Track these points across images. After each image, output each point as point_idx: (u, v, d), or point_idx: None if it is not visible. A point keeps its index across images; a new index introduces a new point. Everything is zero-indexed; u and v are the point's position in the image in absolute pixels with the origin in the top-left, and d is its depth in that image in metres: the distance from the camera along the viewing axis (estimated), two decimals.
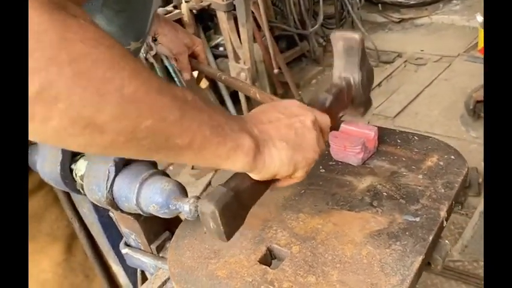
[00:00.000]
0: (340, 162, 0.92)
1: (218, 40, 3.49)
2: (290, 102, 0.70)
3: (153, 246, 0.86)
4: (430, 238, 0.71)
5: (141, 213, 0.76)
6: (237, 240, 0.78)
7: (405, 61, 3.84)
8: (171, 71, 2.87)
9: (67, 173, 0.83)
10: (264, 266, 0.72)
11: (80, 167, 0.83)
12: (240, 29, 2.86)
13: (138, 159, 0.75)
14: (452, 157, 0.88)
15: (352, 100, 0.86)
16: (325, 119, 0.71)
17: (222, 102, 3.40)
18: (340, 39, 0.82)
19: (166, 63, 2.85)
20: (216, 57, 3.47)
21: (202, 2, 3.04)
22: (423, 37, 4.23)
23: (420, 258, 0.68)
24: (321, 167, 0.91)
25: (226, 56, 3.22)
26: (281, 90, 3.56)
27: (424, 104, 3.19)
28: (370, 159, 0.91)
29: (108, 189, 0.76)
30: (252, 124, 0.62)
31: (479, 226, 1.91)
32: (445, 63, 3.66)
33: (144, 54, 2.72)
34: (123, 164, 0.77)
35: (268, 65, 3.31)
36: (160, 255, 0.86)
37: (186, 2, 3.02)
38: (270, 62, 3.28)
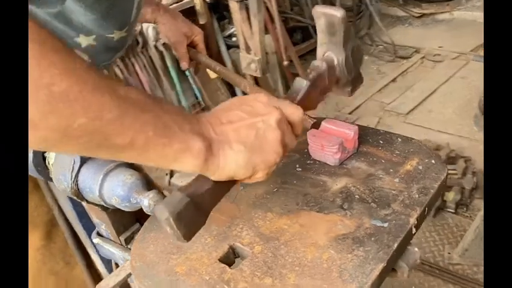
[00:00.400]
0: (318, 161, 0.90)
1: (232, 30, 3.47)
2: (258, 98, 0.67)
3: (122, 238, 0.86)
4: (395, 245, 0.69)
5: (105, 205, 0.75)
6: (202, 237, 0.77)
7: (423, 57, 3.75)
8: None
9: (40, 160, 0.84)
10: (223, 265, 0.71)
11: (51, 156, 0.83)
12: (252, 20, 2.83)
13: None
14: (433, 161, 0.84)
15: (337, 81, 0.82)
16: (296, 113, 0.67)
17: (233, 92, 3.38)
18: (322, 15, 0.78)
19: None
20: (228, 47, 3.45)
21: None
22: (443, 33, 4.11)
23: (381, 266, 0.66)
24: (297, 166, 0.89)
25: (238, 47, 3.20)
26: (292, 82, 3.52)
27: (439, 102, 3.11)
28: (348, 160, 0.88)
29: (73, 179, 0.76)
30: (209, 125, 0.61)
31: (481, 229, 1.86)
32: (463, 60, 3.55)
33: (154, 43, 2.73)
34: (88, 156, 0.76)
35: (280, 56, 3.27)
36: (129, 247, 0.86)
37: None
38: (281, 53, 3.24)
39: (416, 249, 0.74)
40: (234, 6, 2.93)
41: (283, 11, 3.55)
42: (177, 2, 2.84)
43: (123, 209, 0.73)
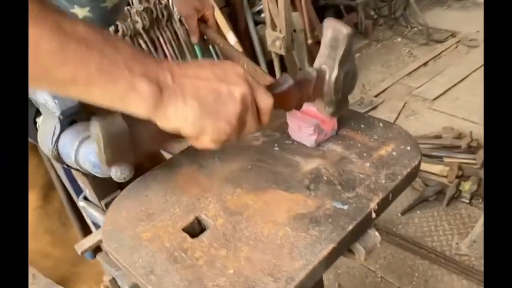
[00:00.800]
0: (296, 142, 0.91)
1: (261, 7, 3.44)
2: (235, 68, 0.65)
3: (103, 203, 0.91)
4: (350, 228, 0.70)
5: (80, 170, 0.79)
6: (171, 206, 0.80)
7: (458, 41, 3.61)
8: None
9: (31, 125, 0.89)
10: (185, 234, 0.74)
11: (40, 120, 0.87)
12: None
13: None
14: (408, 148, 0.84)
15: (322, 96, 0.81)
16: (266, 101, 0.67)
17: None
18: (330, 27, 0.78)
19: None
20: (256, 23, 3.44)
21: None
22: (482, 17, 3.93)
23: (331, 247, 0.67)
24: (276, 145, 0.91)
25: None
26: None
27: (467, 90, 3.01)
28: (326, 142, 0.89)
29: (53, 144, 0.80)
30: (169, 72, 0.59)
31: None
32: None
33: (179, 17, 2.75)
34: (69, 122, 0.81)
35: (306, 35, 3.23)
36: None
37: None
38: (310, 32, 3.19)
39: (376, 233, 0.75)
40: None
41: None
42: None
43: (96, 174, 0.77)
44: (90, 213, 0.94)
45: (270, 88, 0.72)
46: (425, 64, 3.45)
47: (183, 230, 0.75)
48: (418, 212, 2.14)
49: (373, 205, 0.73)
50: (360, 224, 0.71)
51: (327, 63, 0.79)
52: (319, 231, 0.70)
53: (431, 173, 2.29)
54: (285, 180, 0.81)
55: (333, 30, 0.77)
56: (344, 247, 0.71)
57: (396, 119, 2.91)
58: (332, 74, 0.79)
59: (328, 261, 0.68)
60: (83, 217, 1.15)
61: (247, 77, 0.66)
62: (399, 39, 3.90)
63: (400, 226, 2.09)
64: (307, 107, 0.91)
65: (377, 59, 3.71)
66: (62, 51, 0.51)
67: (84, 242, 0.87)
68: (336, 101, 0.82)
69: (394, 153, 0.83)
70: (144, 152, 0.64)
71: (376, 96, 3.23)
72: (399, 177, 0.78)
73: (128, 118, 0.60)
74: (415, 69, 3.39)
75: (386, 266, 1.95)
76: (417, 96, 3.09)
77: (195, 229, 0.77)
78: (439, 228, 2.05)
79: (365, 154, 0.84)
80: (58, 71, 0.52)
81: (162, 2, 2.70)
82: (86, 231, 1.16)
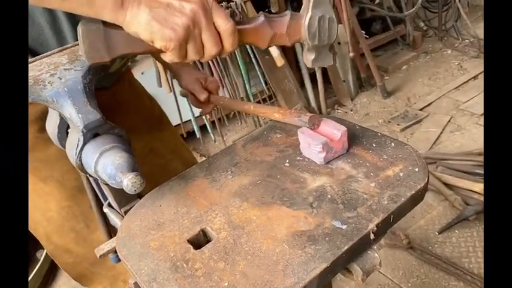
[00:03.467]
0: (307, 158, 0.92)
1: None
2: None
3: (123, 210, 0.96)
4: (345, 248, 0.71)
5: (100, 179, 0.85)
6: (181, 217, 0.84)
7: None
8: (247, 47, 2.95)
9: (63, 135, 0.96)
10: (189, 245, 0.78)
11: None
12: None
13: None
14: (416, 169, 0.83)
15: (299, 40, 0.84)
16: (224, 23, 0.73)
17: (302, 83, 3.40)
18: None
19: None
20: None
21: None
22: None
23: (323, 266, 0.68)
24: (287, 161, 0.93)
25: None
26: (364, 74, 3.44)
27: None
28: (335, 160, 0.90)
29: (77, 155, 0.87)
30: None
31: None
32: None
33: None
34: (92, 136, 0.87)
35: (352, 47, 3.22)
36: None
37: None
38: (353, 44, 3.18)
39: (376, 255, 0.75)
40: None
41: (360, 1, 3.47)
42: None
43: (111, 185, 0.83)
44: (112, 219, 1.00)
45: (239, 23, 0.79)
46: (474, 77, 3.33)
47: (188, 241, 0.79)
48: (456, 231, 2.07)
49: (371, 226, 0.74)
50: (356, 245, 0.72)
51: (304, 8, 0.82)
52: (315, 250, 0.71)
53: (472, 191, 2.21)
54: (290, 197, 0.83)
55: None
56: (339, 267, 0.72)
57: (441, 133, 2.83)
58: (306, 16, 0.81)
59: (321, 279, 0.69)
60: (108, 222, 1.22)
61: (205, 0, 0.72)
62: (449, 51, 3.79)
63: (436, 245, 2.03)
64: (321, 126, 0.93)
65: (425, 71, 3.62)
66: None
67: (103, 246, 0.92)
68: (313, 47, 0.84)
69: (401, 174, 0.83)
70: (118, 53, 0.74)
71: (421, 109, 3.15)
72: (402, 198, 0.78)
73: (105, 23, 0.71)
74: (464, 83, 3.28)
75: (419, 285, 1.89)
76: (464, 111, 2.98)
77: (201, 240, 0.81)
78: (477, 250, 1.97)
79: (372, 174, 0.85)
80: None
81: None
82: (110, 235, 1.23)
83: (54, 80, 0.84)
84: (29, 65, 0.83)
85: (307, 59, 0.86)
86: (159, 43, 0.71)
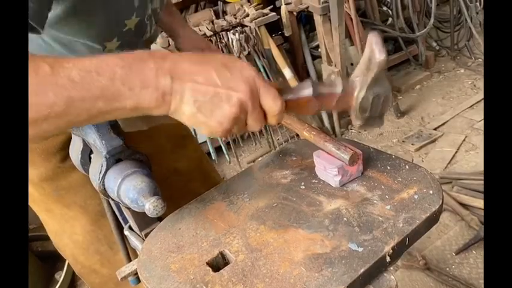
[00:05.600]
0: (323, 181, 0.94)
1: (318, 42, 3.52)
2: (242, 70, 0.69)
3: (143, 233, 0.99)
4: (362, 270, 0.72)
5: (122, 203, 0.89)
6: (200, 240, 0.87)
7: None
8: (261, 69, 3.00)
9: (86, 160, 1.00)
10: (208, 268, 0.80)
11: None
12: (333, 33, 2.86)
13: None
14: (431, 192, 0.85)
15: (349, 109, 0.81)
16: (273, 106, 0.70)
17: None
18: (370, 45, 0.76)
19: (258, 63, 2.99)
20: (314, 58, 3.51)
21: (301, 4, 3.10)
22: None
23: None
24: (302, 184, 0.95)
25: None
26: None
27: None
28: (350, 182, 0.92)
29: (100, 180, 0.90)
30: (170, 75, 0.66)
31: None
32: None
33: (238, 54, 2.89)
34: (115, 161, 0.90)
35: None
36: None
37: (286, 4, 3.10)
38: None
39: (392, 277, 0.76)
40: (317, 19, 3.00)
41: (372, 23, 3.51)
42: (263, 16, 2.96)
43: (133, 209, 0.86)
44: (133, 241, 1.03)
45: (283, 92, 0.74)
46: None
47: (207, 263, 0.81)
48: (473, 252, 2.05)
49: (387, 249, 0.75)
50: (373, 267, 0.73)
51: (360, 79, 0.78)
52: (332, 272, 0.73)
53: None
54: (306, 220, 0.85)
55: (370, 50, 0.76)
56: None
57: (456, 153, 2.82)
58: (360, 93, 0.78)
59: None
60: (129, 244, 1.25)
61: (254, 80, 0.69)
62: (462, 70, 3.79)
63: (453, 266, 2.01)
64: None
65: (438, 91, 3.62)
66: (70, 107, 0.62)
67: (124, 269, 0.95)
68: (362, 117, 0.82)
69: (416, 197, 0.84)
70: (156, 123, 0.77)
71: (435, 129, 3.15)
72: (417, 221, 0.79)
73: None
74: (478, 102, 3.27)
75: None
76: (479, 130, 2.97)
77: (219, 263, 0.83)
78: None
79: (387, 196, 0.86)
80: (74, 118, 0.64)
81: (223, 41, 2.85)
82: (130, 257, 1.26)
83: None
84: None
85: (355, 123, 0.83)
86: (203, 132, 0.70)
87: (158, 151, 1.19)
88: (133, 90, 0.64)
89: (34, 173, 1.07)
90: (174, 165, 1.27)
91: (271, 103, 0.70)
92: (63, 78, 0.61)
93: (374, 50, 0.75)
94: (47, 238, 1.28)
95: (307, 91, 0.76)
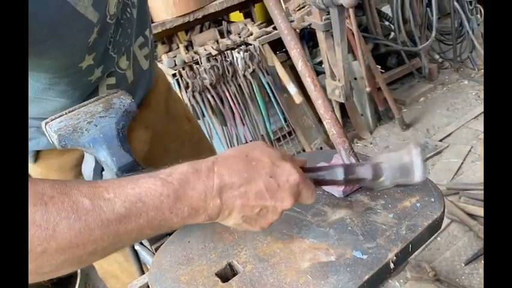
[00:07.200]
0: (327, 192, 0.97)
1: (321, 58, 3.57)
2: (289, 177, 0.70)
3: (154, 247, 1.01)
4: (366, 277, 0.74)
5: None
6: (209, 252, 0.89)
7: None
8: (266, 87, 3.04)
9: (98, 178, 1.04)
10: (217, 279, 0.82)
11: (104, 175, 1.02)
12: (336, 48, 2.91)
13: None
14: (432, 200, 0.87)
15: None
16: (309, 198, 0.75)
17: (320, 119, 3.46)
18: (409, 157, 0.77)
19: (263, 80, 3.03)
20: (318, 73, 3.56)
21: (303, 21, 3.16)
22: None
23: None
24: None
25: None
26: (382, 107, 3.49)
27: None
28: (354, 193, 0.94)
29: None
30: (219, 196, 0.67)
31: None
32: None
33: (243, 72, 2.94)
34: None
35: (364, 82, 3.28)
36: None
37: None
38: (369, 79, 3.25)
39: (396, 283, 0.78)
40: (320, 36, 3.05)
41: (374, 37, 3.56)
42: (266, 34, 3.02)
43: None
44: (143, 256, 1.06)
45: (316, 177, 0.79)
46: None
47: (216, 274, 0.83)
48: (483, 262, 2.04)
49: (391, 255, 0.77)
50: (377, 274, 0.75)
51: (389, 173, 0.78)
52: (337, 280, 0.75)
53: None
54: (312, 230, 0.87)
55: (407, 163, 0.77)
56: None
57: (462, 164, 2.82)
58: (384, 183, 0.79)
59: None
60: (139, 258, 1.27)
61: (298, 186, 0.71)
62: (466, 81, 3.82)
63: (463, 277, 2.01)
64: (335, 160, 0.97)
65: (442, 102, 3.65)
66: (117, 238, 0.62)
67: (135, 282, 0.97)
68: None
69: (418, 205, 0.86)
70: None
71: (441, 140, 3.16)
72: (419, 228, 0.81)
73: None
74: (483, 112, 3.28)
75: None
76: None
77: (228, 274, 0.85)
78: None
79: (390, 205, 0.88)
80: (123, 245, 0.67)
81: (228, 59, 2.91)
82: (142, 271, 1.28)
83: (91, 128, 0.92)
84: (69, 114, 0.91)
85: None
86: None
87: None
88: (182, 216, 0.66)
89: None
90: None
91: (308, 200, 0.75)
92: (107, 213, 0.60)
93: (415, 166, 0.76)
94: None
95: (339, 175, 0.78)
